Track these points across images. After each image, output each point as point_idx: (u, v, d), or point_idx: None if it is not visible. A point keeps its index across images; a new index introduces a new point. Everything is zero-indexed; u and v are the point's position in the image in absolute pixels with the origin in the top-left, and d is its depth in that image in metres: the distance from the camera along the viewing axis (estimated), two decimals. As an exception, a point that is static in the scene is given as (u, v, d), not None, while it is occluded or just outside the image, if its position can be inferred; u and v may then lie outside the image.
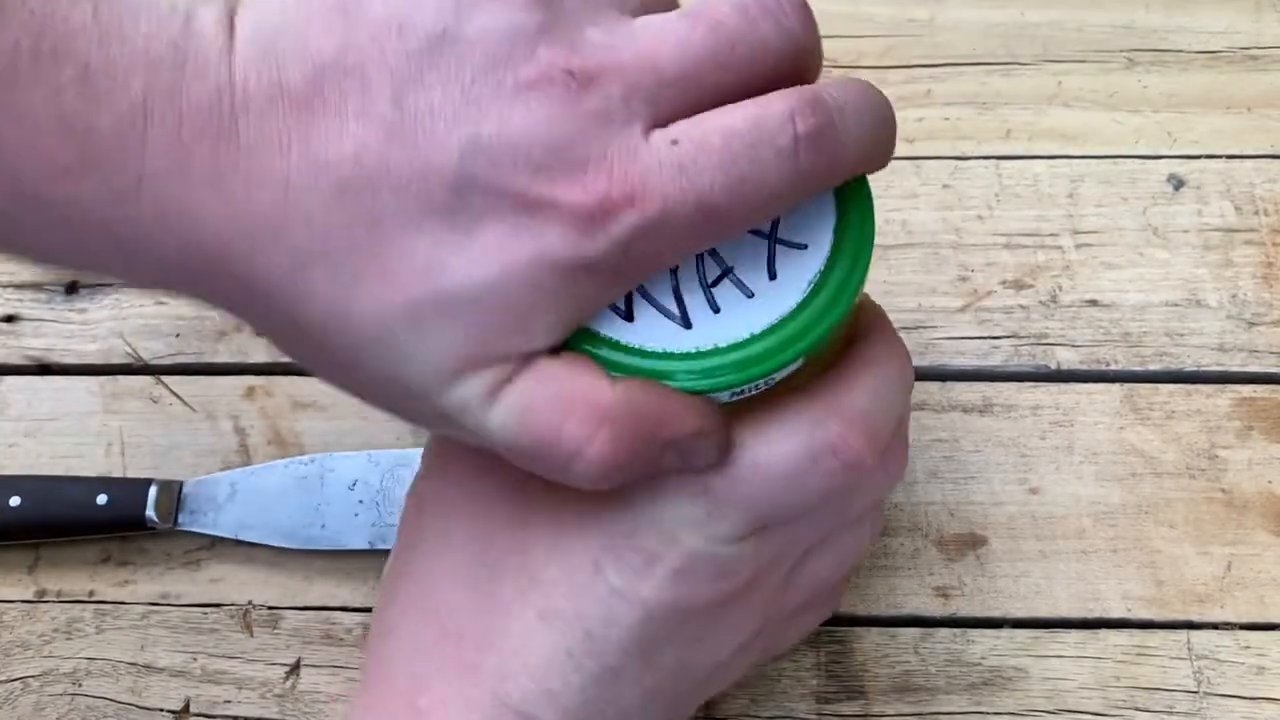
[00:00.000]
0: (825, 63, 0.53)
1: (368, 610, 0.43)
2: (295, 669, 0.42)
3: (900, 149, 0.51)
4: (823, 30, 0.54)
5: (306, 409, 0.46)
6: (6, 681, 0.42)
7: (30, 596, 0.43)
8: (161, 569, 0.43)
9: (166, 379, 0.47)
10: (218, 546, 0.44)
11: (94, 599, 0.43)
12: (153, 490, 0.43)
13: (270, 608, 0.43)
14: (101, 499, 0.43)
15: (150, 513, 0.43)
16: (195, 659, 0.42)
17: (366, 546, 0.43)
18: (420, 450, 0.42)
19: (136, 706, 0.41)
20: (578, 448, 0.27)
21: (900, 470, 0.34)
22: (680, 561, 0.30)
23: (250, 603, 0.43)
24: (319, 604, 0.43)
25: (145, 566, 0.44)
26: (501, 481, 0.31)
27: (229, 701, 0.41)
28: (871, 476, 0.31)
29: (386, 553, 0.43)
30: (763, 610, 0.33)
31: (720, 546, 0.30)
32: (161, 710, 0.41)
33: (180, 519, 0.43)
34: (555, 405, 0.26)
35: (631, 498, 0.30)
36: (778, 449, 0.29)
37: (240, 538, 0.43)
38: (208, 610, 0.43)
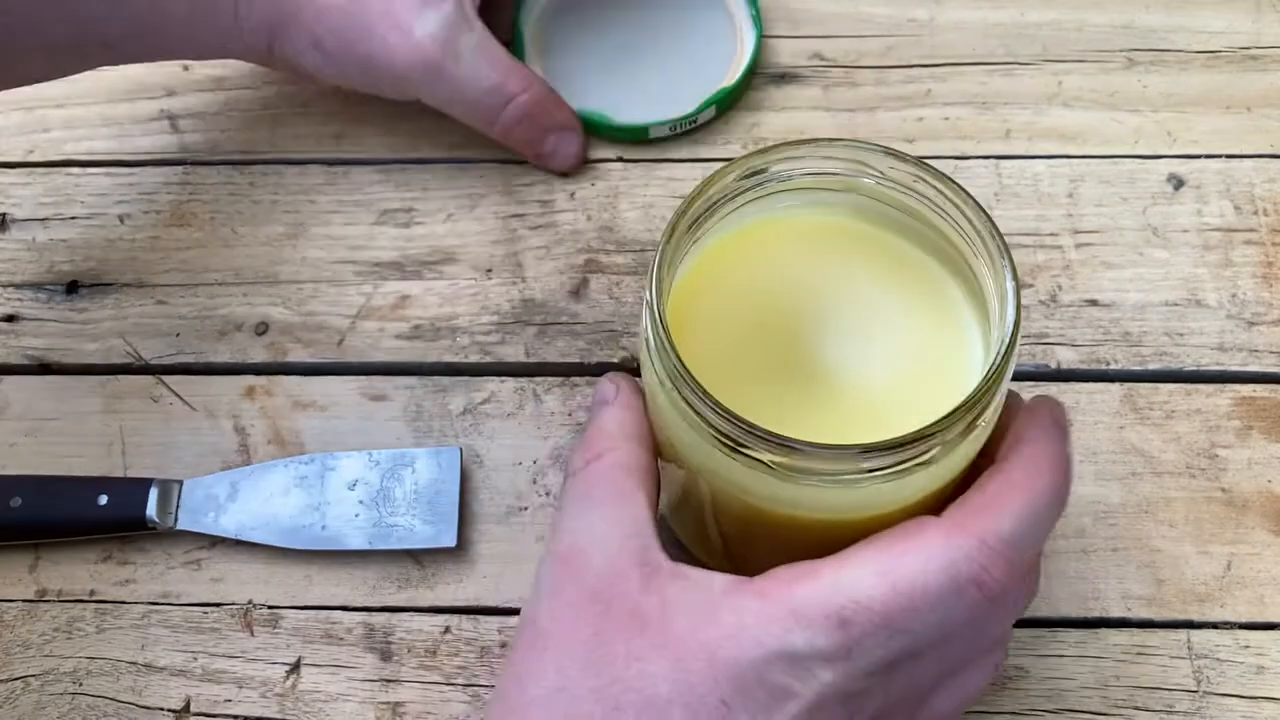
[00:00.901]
0: (826, 63, 0.53)
1: (368, 610, 0.43)
2: (295, 668, 0.42)
3: (900, 149, 0.51)
4: (823, 30, 0.55)
5: (306, 409, 0.46)
6: (7, 680, 0.42)
7: (31, 596, 0.43)
8: (162, 568, 0.44)
9: (166, 379, 0.47)
10: (218, 546, 0.44)
11: (95, 598, 0.43)
12: (153, 491, 0.43)
13: (271, 607, 0.43)
14: (102, 499, 0.43)
15: (151, 513, 0.43)
16: (196, 658, 0.42)
17: (366, 547, 0.43)
18: (420, 450, 0.43)
19: (137, 705, 0.41)
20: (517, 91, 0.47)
21: (1032, 596, 0.33)
22: (814, 698, 0.29)
23: (251, 602, 0.43)
24: (319, 603, 0.43)
25: (146, 566, 0.44)
26: (619, 608, 0.31)
27: (229, 701, 0.41)
28: (1007, 604, 0.31)
29: (385, 553, 0.43)
30: None
31: (856, 681, 0.29)
32: (162, 709, 0.41)
33: (180, 519, 0.43)
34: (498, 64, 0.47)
35: (762, 632, 0.29)
36: (921, 579, 0.29)
37: (241, 538, 0.43)
38: (208, 609, 0.43)
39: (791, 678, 0.29)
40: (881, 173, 0.35)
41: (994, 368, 0.31)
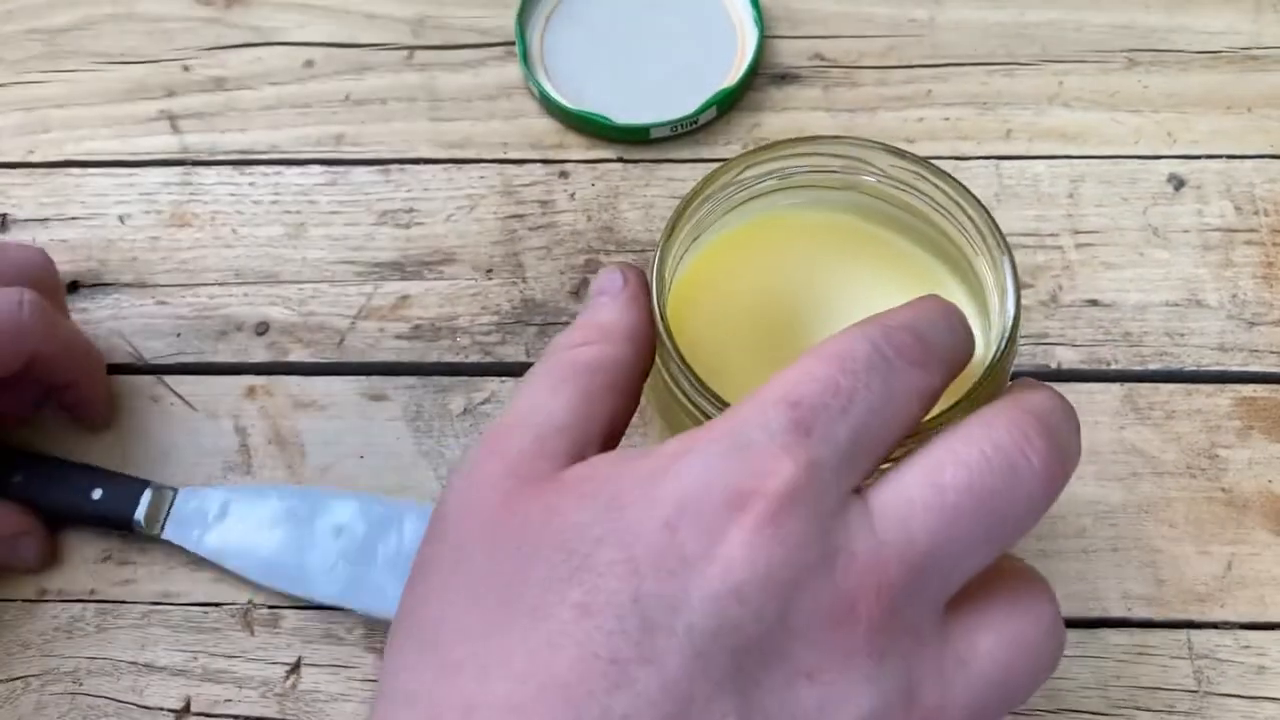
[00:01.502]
0: (826, 63, 0.53)
1: (368, 609, 0.43)
2: (296, 668, 0.42)
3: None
4: (823, 30, 0.55)
5: (307, 409, 0.46)
6: (7, 680, 0.42)
7: (31, 595, 0.43)
8: (162, 568, 0.43)
9: (167, 379, 0.47)
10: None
11: (95, 597, 0.43)
12: (146, 494, 0.43)
13: (271, 607, 0.43)
14: (96, 493, 0.43)
15: (139, 517, 0.43)
16: (196, 658, 0.42)
17: (333, 602, 0.42)
18: (417, 506, 0.43)
19: (137, 705, 0.41)
20: None
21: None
22: (782, 490, 0.25)
23: (251, 602, 0.43)
24: (319, 603, 0.43)
25: (146, 565, 0.44)
26: (536, 479, 0.27)
27: (230, 700, 0.41)
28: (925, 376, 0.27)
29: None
30: None
31: (826, 471, 0.25)
32: (162, 709, 0.41)
33: (167, 529, 0.43)
34: None
35: (704, 449, 0.25)
36: (845, 346, 0.26)
37: (220, 563, 0.42)
38: (208, 609, 0.43)
39: (746, 475, 0.24)
40: (883, 170, 0.35)
41: (994, 361, 0.31)
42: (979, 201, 0.34)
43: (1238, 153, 0.50)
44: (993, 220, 0.33)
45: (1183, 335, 0.46)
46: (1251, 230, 0.48)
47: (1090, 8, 0.54)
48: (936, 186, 0.34)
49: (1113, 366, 0.46)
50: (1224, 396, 0.45)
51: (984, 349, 0.35)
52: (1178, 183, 0.50)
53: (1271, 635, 0.41)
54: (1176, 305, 0.47)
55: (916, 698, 0.24)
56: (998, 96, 0.52)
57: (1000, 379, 0.31)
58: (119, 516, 0.43)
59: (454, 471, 0.29)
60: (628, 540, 0.24)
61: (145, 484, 0.43)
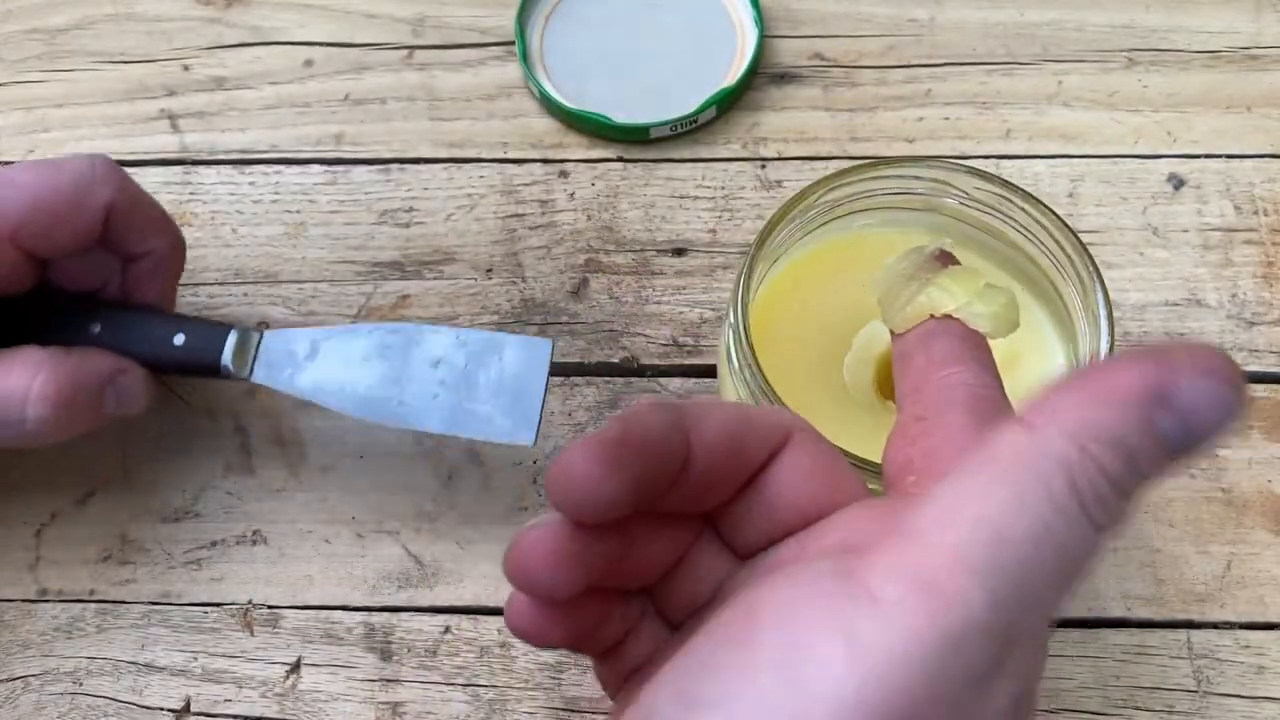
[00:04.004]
0: (826, 63, 0.53)
1: (368, 609, 0.43)
2: (296, 668, 0.42)
3: (900, 149, 0.51)
4: (823, 30, 0.55)
5: (307, 409, 0.46)
6: (7, 680, 0.42)
7: (31, 595, 0.43)
8: (162, 568, 0.44)
9: (167, 378, 0.47)
10: (218, 545, 0.44)
11: (95, 598, 0.43)
12: (231, 337, 0.41)
13: (270, 607, 0.43)
14: (178, 338, 0.41)
15: (226, 360, 0.40)
16: (196, 658, 0.42)
17: (441, 430, 0.40)
18: (511, 336, 0.41)
19: (137, 705, 0.41)
20: (23, 390, 0.37)
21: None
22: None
23: (250, 602, 0.43)
24: (319, 603, 0.43)
25: (146, 565, 0.44)
26: None
27: (229, 700, 0.41)
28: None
29: (385, 547, 0.43)
30: None
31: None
32: (162, 709, 0.41)
33: (256, 371, 0.41)
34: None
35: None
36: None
37: (316, 400, 0.40)
38: (208, 609, 0.43)
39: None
40: (965, 192, 0.35)
41: None
42: (1068, 226, 0.33)
43: (1237, 152, 0.50)
44: (1083, 246, 0.33)
45: (1182, 335, 0.46)
46: (1251, 230, 0.48)
47: (1090, 7, 0.54)
48: (1022, 210, 0.34)
49: (1112, 366, 0.46)
50: (1224, 396, 0.45)
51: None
52: (1177, 182, 0.50)
53: (1271, 635, 0.41)
54: (1176, 305, 0.47)
55: None
56: (997, 96, 0.52)
57: None
58: (205, 361, 0.41)
59: None
60: None
61: (229, 327, 0.41)
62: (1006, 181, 0.34)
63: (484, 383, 0.40)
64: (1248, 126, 0.51)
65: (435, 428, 0.40)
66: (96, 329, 0.41)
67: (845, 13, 0.54)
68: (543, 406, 0.40)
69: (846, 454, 0.30)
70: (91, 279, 0.42)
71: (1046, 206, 0.33)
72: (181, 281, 0.49)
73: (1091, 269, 0.32)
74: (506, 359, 0.40)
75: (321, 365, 0.41)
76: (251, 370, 0.41)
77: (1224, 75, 0.52)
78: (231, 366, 0.41)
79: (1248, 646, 0.41)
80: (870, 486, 0.30)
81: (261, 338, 0.41)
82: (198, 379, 0.47)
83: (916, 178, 0.35)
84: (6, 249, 0.38)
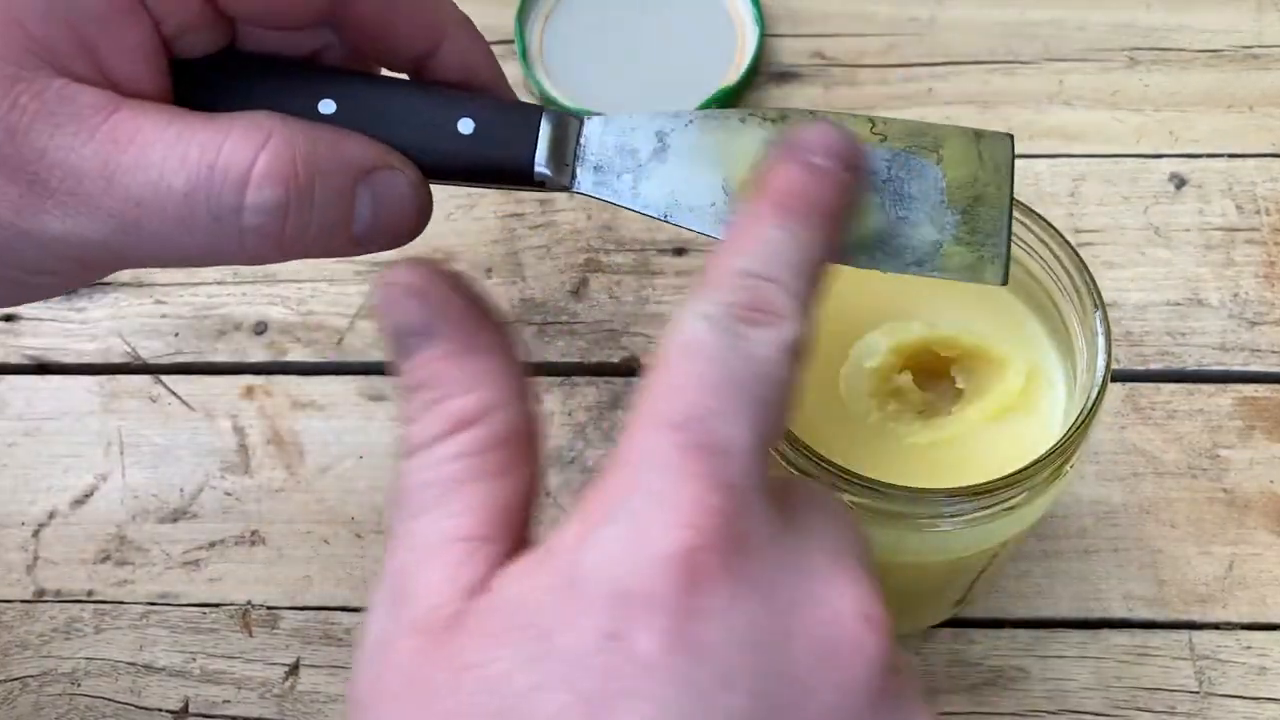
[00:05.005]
0: (827, 62, 0.53)
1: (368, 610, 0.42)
2: (294, 669, 0.42)
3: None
4: (823, 29, 0.54)
5: (305, 409, 0.46)
6: (5, 681, 0.42)
7: (29, 596, 0.43)
8: (160, 568, 0.43)
9: (165, 378, 0.47)
10: (217, 546, 0.44)
11: (93, 598, 0.43)
12: (545, 125, 0.28)
13: (269, 608, 0.43)
14: (464, 124, 0.27)
15: (541, 161, 0.27)
16: (194, 659, 0.42)
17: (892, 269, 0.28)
18: (946, 126, 0.28)
19: (135, 706, 0.41)
20: (245, 163, 0.24)
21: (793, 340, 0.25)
22: None
23: (249, 603, 0.43)
24: (318, 604, 0.43)
25: (144, 566, 0.43)
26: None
27: (228, 701, 0.41)
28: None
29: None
30: None
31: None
32: (160, 710, 0.41)
33: (580, 177, 0.28)
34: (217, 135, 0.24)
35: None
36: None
37: (672, 219, 0.28)
38: (207, 610, 0.43)
39: (672, 531, 0.21)
40: None
41: (1084, 414, 0.30)
42: (1072, 246, 0.33)
43: (1239, 152, 0.50)
44: (1083, 264, 0.32)
45: (1184, 335, 0.46)
46: (1253, 229, 0.48)
47: (1092, 6, 0.54)
48: (1024, 225, 0.33)
49: (1114, 366, 0.46)
50: (1225, 396, 0.45)
51: (1065, 390, 0.34)
52: (1179, 182, 0.50)
53: (1273, 636, 0.41)
54: (1178, 305, 0.47)
55: None
56: (998, 95, 0.52)
57: (1088, 430, 0.31)
58: (507, 160, 0.27)
59: (356, 645, 0.23)
60: (568, 673, 0.20)
61: (539, 111, 0.28)
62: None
63: (918, 194, 0.27)
64: (1249, 126, 0.51)
65: (883, 264, 0.28)
66: (328, 108, 0.27)
67: (846, 11, 0.54)
68: (1010, 227, 0.28)
69: (843, 469, 0.29)
70: (302, 40, 0.28)
71: (1051, 225, 0.33)
72: (180, 281, 0.49)
73: (1090, 288, 0.32)
74: (949, 160, 0.28)
75: (674, 171, 0.28)
76: (574, 175, 0.28)
77: (1226, 74, 0.52)
78: (549, 169, 0.27)
79: (1249, 647, 0.41)
80: (873, 504, 0.30)
81: (583, 126, 0.28)
82: (195, 378, 0.46)
83: None
84: None
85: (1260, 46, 0.53)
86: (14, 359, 0.47)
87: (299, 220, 0.25)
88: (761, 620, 0.20)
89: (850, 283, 0.36)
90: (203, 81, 0.27)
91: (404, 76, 0.29)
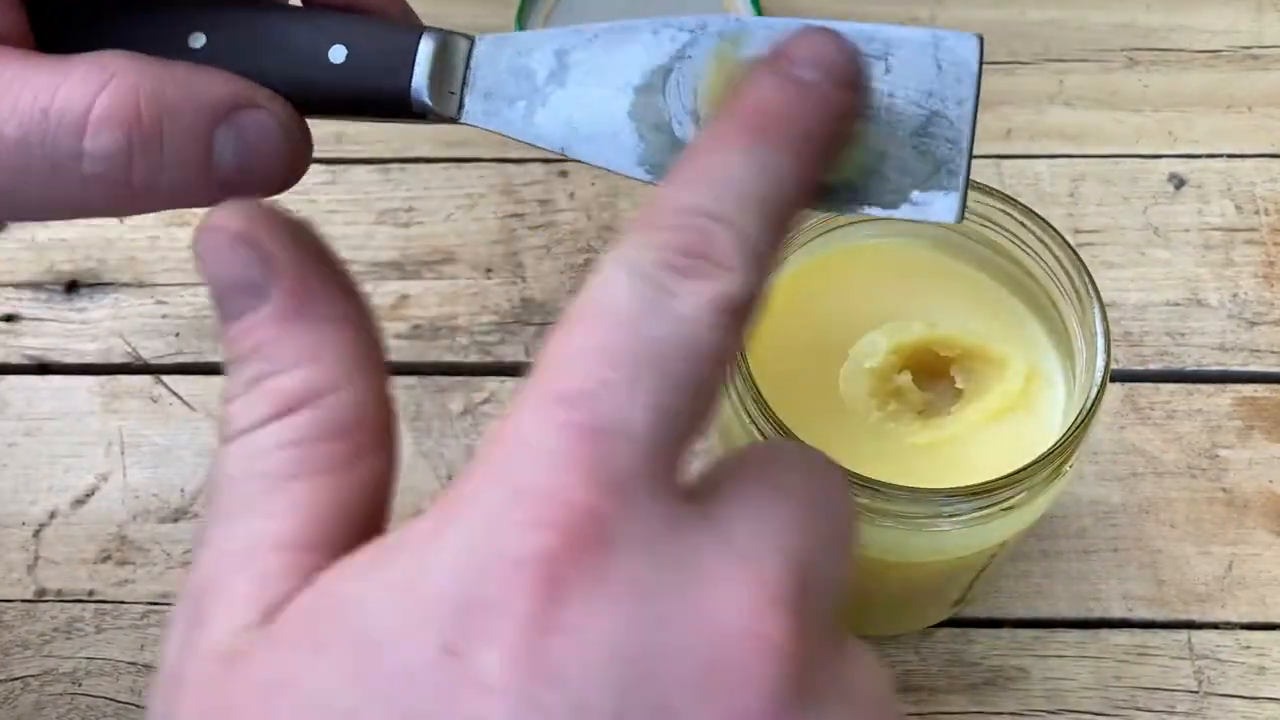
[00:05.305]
0: (826, 62, 0.53)
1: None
2: (295, 669, 0.42)
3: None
4: (823, 29, 0.54)
5: (306, 408, 0.46)
6: (6, 681, 0.42)
7: (30, 596, 0.43)
8: (161, 568, 0.43)
9: (166, 378, 0.47)
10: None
11: (94, 598, 0.43)
12: (425, 45, 0.25)
13: (270, 607, 0.43)
14: (336, 52, 0.25)
15: (418, 84, 0.25)
16: (195, 658, 0.42)
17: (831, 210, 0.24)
18: (899, 30, 0.23)
19: (136, 706, 0.41)
20: (83, 105, 0.22)
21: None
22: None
23: (250, 602, 0.43)
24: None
25: (145, 565, 0.44)
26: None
27: (229, 701, 0.41)
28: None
29: None
30: None
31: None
32: (161, 710, 0.41)
33: (468, 105, 0.25)
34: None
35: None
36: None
37: (569, 153, 0.25)
38: (207, 610, 0.43)
39: (533, 526, 0.18)
40: (968, 206, 0.35)
41: (1083, 414, 0.30)
42: (1069, 245, 0.33)
43: (1238, 152, 0.50)
44: (1082, 264, 0.32)
45: (1183, 335, 0.46)
46: (1252, 230, 0.48)
47: (1091, 7, 0.54)
48: (1023, 225, 0.34)
49: (1113, 366, 0.46)
50: (1225, 396, 0.45)
51: (1064, 390, 0.34)
52: (1178, 182, 0.50)
53: (1272, 636, 0.41)
54: (1177, 305, 0.47)
55: None
56: (998, 95, 0.52)
57: (1086, 431, 0.31)
58: (382, 88, 0.25)
59: (158, 670, 0.19)
60: (396, 693, 0.17)
61: (419, 31, 0.25)
62: (1008, 197, 0.34)
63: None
64: (1249, 126, 0.51)
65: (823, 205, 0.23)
66: (198, 41, 0.25)
67: (846, 12, 0.54)
68: (970, 151, 0.23)
69: (847, 473, 0.29)
70: None
71: (1048, 224, 0.33)
72: (181, 281, 0.49)
73: (1089, 288, 0.32)
74: (897, 69, 0.23)
75: (573, 94, 0.25)
76: (461, 104, 0.25)
77: (1225, 75, 0.52)
78: (428, 96, 0.25)
79: (1249, 647, 0.41)
80: (872, 504, 0.30)
81: (474, 47, 0.26)
82: (196, 378, 0.46)
83: None
84: None
85: (1260, 47, 0.53)
86: (14, 359, 0.47)
87: (147, 166, 0.23)
88: (630, 638, 0.17)
89: (850, 283, 0.37)
90: (66, 22, 0.25)
91: (286, 2, 0.26)
